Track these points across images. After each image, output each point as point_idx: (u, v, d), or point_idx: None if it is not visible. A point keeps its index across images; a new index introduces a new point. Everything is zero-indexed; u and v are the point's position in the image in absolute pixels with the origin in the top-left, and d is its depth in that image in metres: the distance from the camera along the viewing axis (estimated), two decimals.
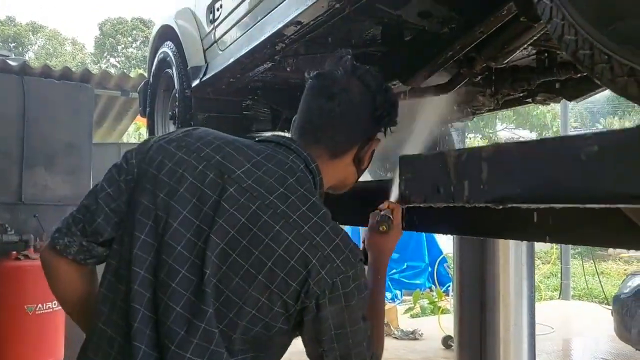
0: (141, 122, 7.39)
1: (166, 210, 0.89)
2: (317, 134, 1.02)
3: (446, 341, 5.08)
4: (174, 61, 2.46)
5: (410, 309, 6.57)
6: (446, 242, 7.73)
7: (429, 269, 8.03)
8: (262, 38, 1.62)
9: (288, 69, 1.80)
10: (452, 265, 3.16)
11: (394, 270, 7.73)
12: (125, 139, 8.15)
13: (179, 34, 2.47)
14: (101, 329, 0.91)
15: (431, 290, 7.39)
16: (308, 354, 0.95)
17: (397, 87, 1.57)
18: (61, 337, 3.58)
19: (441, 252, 7.98)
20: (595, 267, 8.54)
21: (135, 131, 10.66)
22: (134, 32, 27.56)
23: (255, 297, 0.85)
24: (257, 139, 1.06)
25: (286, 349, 0.97)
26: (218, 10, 2.13)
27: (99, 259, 0.97)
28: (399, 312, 6.11)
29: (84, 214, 0.95)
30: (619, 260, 10.57)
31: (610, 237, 0.85)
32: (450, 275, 6.95)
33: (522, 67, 1.63)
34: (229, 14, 1.99)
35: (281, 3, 1.50)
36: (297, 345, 0.96)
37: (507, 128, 12.79)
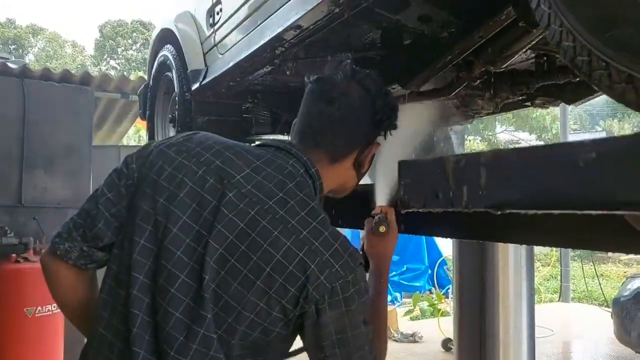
0: (141, 125, 7.39)
1: (166, 215, 0.89)
2: (317, 138, 1.02)
3: (446, 344, 5.08)
4: (174, 64, 2.47)
5: (410, 311, 6.56)
6: (446, 245, 7.72)
7: (429, 271, 8.02)
8: (262, 42, 1.62)
9: (288, 73, 1.81)
10: (451, 267, 3.16)
11: (394, 273, 7.72)
12: (125, 142, 8.16)
13: (179, 38, 2.47)
14: (101, 333, 0.91)
15: (431, 293, 7.38)
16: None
17: (397, 91, 1.58)
18: (60, 340, 3.57)
19: (441, 255, 7.98)
20: (595, 269, 8.54)
21: (135, 134, 10.67)
22: (134, 34, 27.60)
23: (254, 302, 0.85)
24: (257, 144, 1.06)
25: (285, 356, 0.97)
26: (218, 14, 2.14)
27: (99, 263, 0.98)
28: (399, 314, 6.10)
29: (85, 219, 0.96)
30: (619, 262, 10.57)
31: (610, 241, 0.85)
32: (450, 278, 6.94)
33: (521, 71, 1.63)
34: (229, 17, 2.00)
35: (281, 7, 1.51)
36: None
37: (507, 130, 12.80)
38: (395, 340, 5.46)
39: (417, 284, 7.82)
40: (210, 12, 2.22)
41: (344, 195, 1.14)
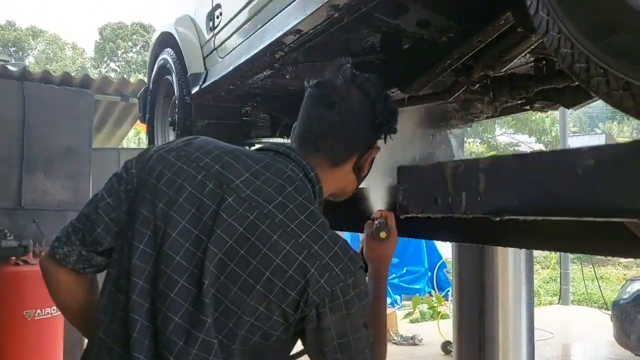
0: (141, 127, 7.40)
1: (165, 220, 0.89)
2: (317, 142, 1.02)
3: (445, 347, 5.07)
4: (173, 68, 2.47)
5: (409, 314, 6.56)
6: (445, 247, 7.72)
7: (429, 273, 8.02)
8: (262, 46, 1.62)
9: (287, 77, 1.81)
10: (451, 270, 3.16)
11: (394, 275, 7.72)
12: (125, 144, 8.16)
13: (178, 41, 2.48)
14: (101, 338, 0.91)
15: (430, 295, 7.38)
16: None
17: (396, 95, 1.58)
18: (60, 343, 3.56)
19: (440, 257, 7.98)
20: (595, 272, 8.53)
21: (135, 136, 10.67)
22: (134, 36, 27.64)
23: (254, 307, 0.85)
24: (256, 148, 1.06)
25: None
26: (218, 18, 2.14)
27: (98, 268, 0.98)
28: (399, 317, 6.10)
29: (84, 224, 0.96)
30: (619, 265, 10.57)
31: (609, 246, 0.85)
32: (449, 280, 6.95)
33: (520, 75, 1.64)
34: (229, 21, 2.01)
35: (281, 12, 1.51)
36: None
37: (506, 133, 12.80)
38: (395, 343, 5.45)
39: (417, 287, 7.81)
40: (210, 16, 2.23)
41: (344, 199, 1.14)
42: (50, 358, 3.51)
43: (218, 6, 2.15)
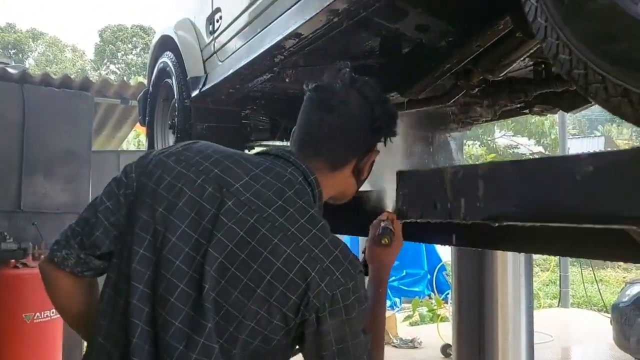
0: (140, 130, 7.40)
1: (165, 224, 0.90)
2: (317, 146, 1.03)
3: (445, 349, 5.07)
4: (173, 71, 2.48)
5: (409, 316, 6.56)
6: (445, 250, 7.72)
7: (428, 276, 8.02)
8: (262, 50, 1.63)
9: (287, 80, 1.81)
10: (450, 272, 3.16)
11: (393, 278, 7.72)
12: (124, 147, 8.16)
13: (178, 45, 2.48)
14: (101, 343, 0.91)
15: (430, 298, 7.38)
16: None
17: (395, 99, 1.59)
18: (59, 346, 3.56)
19: (440, 260, 7.98)
20: (594, 274, 8.53)
21: (135, 139, 10.66)
22: (134, 39, 27.68)
23: (255, 311, 0.85)
24: (256, 151, 1.06)
25: None
26: (218, 21, 2.15)
27: (97, 271, 0.98)
28: (398, 320, 6.09)
29: (83, 227, 0.96)
30: (618, 268, 10.57)
31: (608, 251, 0.85)
32: (449, 283, 6.94)
33: (519, 79, 1.64)
34: (229, 25, 2.01)
35: (280, 16, 1.52)
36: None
37: (506, 135, 12.81)
38: (395, 346, 5.45)
39: (417, 289, 7.81)
40: (210, 20, 2.23)
41: (344, 202, 1.15)
42: None
43: (218, 10, 2.16)
